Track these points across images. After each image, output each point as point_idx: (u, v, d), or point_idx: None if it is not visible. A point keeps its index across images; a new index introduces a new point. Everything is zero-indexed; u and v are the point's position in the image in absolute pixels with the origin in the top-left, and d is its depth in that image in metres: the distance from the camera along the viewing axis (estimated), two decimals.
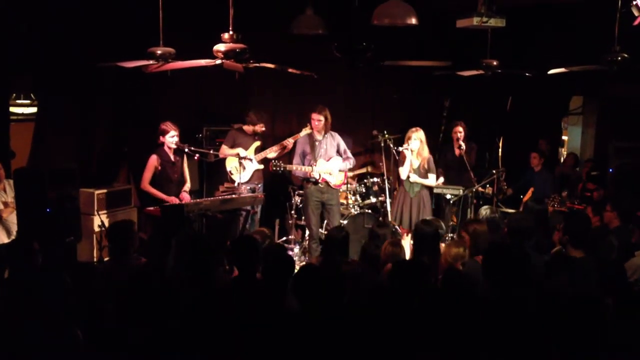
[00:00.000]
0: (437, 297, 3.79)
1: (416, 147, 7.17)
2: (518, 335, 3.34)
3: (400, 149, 7.22)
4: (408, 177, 7.20)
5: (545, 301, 3.68)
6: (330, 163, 7.21)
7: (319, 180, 7.14)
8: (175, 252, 4.49)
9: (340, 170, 7.29)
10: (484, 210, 6.70)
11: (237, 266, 4.33)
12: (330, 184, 7.22)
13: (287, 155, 7.96)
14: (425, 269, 3.88)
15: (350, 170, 8.02)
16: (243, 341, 3.37)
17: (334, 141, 7.30)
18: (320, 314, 3.48)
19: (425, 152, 7.24)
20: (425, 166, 7.23)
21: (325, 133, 7.23)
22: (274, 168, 6.97)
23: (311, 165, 7.10)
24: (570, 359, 3.17)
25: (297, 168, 7.15)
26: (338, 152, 7.31)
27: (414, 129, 7.22)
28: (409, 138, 7.18)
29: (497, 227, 5.80)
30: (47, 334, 3.22)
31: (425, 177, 7.24)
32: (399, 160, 7.32)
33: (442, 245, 6.97)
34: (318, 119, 7.11)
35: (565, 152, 11.25)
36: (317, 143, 7.20)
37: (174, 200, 6.56)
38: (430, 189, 7.37)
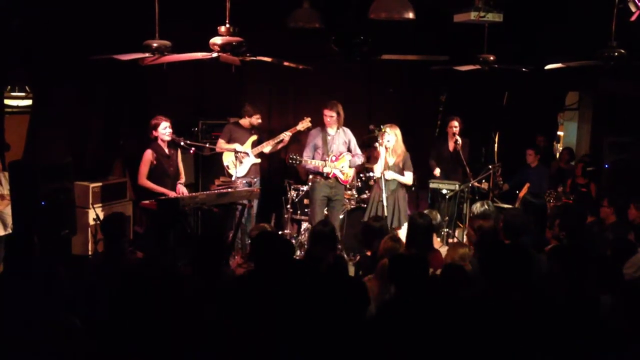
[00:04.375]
0: (435, 292, 3.79)
1: (391, 143, 6.93)
2: (514, 333, 3.35)
3: (376, 144, 7.07)
4: (382, 174, 6.93)
5: (543, 299, 3.68)
6: (341, 158, 7.22)
7: (330, 176, 7.15)
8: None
9: (350, 167, 7.30)
10: (476, 207, 6.70)
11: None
12: (340, 180, 7.23)
13: (284, 148, 7.95)
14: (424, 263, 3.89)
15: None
16: (243, 334, 3.37)
17: (346, 137, 7.30)
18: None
19: (401, 149, 7.00)
20: (401, 164, 6.98)
21: (338, 128, 7.22)
22: (290, 161, 7.04)
23: (324, 160, 7.10)
24: (565, 356, 3.18)
25: (311, 162, 7.14)
26: (348, 148, 7.31)
27: (388, 125, 6.98)
28: (383, 134, 6.92)
29: (490, 219, 5.80)
30: (44, 323, 3.22)
31: (401, 174, 6.98)
32: (372, 157, 7.22)
33: (438, 239, 7.00)
34: (330, 115, 7.08)
35: (560, 148, 11.27)
36: (329, 138, 7.19)
37: (173, 195, 6.52)
38: (407, 187, 7.13)
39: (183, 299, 3.58)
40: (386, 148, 6.94)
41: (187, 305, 3.53)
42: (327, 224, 5.39)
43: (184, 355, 3.25)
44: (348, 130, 7.35)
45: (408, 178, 7.04)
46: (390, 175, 6.91)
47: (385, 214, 7.25)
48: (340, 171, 7.21)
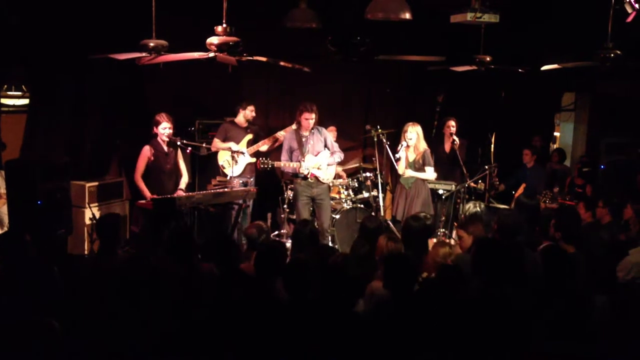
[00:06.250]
0: (428, 292, 3.80)
1: (413, 141, 7.14)
2: (507, 330, 3.36)
3: (399, 148, 7.17)
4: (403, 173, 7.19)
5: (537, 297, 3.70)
6: (319, 158, 7.17)
7: (308, 176, 7.11)
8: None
9: (328, 165, 7.27)
10: (469, 206, 6.73)
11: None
12: (320, 179, 7.18)
13: (276, 151, 7.94)
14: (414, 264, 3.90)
15: (342, 164, 8.01)
16: (234, 332, 3.38)
17: (321, 136, 7.23)
18: (310, 305, 3.50)
19: (422, 145, 7.22)
20: (421, 160, 7.19)
21: (312, 129, 7.20)
22: (262, 165, 6.94)
23: (299, 161, 7.07)
24: (559, 355, 3.19)
25: (285, 164, 7.09)
26: (325, 146, 7.28)
27: (410, 123, 7.22)
28: (405, 132, 7.17)
29: (481, 221, 5.81)
30: (24, 325, 3.21)
31: (422, 170, 7.21)
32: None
33: (434, 240, 7.02)
34: (312, 118, 7.02)
35: (554, 147, 11.28)
36: (304, 139, 7.13)
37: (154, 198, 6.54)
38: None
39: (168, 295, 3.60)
40: (408, 146, 7.15)
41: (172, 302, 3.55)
42: (307, 224, 5.40)
43: (174, 354, 3.25)
44: (322, 129, 7.28)
45: (429, 174, 7.27)
46: (409, 173, 7.17)
47: (381, 212, 7.31)
48: (318, 169, 7.16)
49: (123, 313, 3.35)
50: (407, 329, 3.37)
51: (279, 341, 3.33)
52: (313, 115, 7.03)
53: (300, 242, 5.15)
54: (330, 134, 7.37)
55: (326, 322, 3.37)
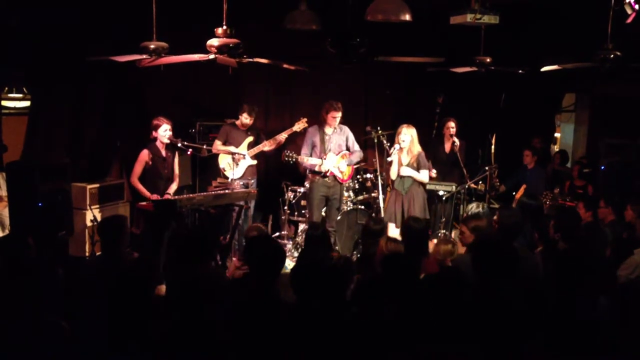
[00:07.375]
0: (428, 292, 3.80)
1: (406, 143, 6.99)
2: (506, 329, 3.36)
3: (391, 151, 7.09)
4: (398, 176, 7.09)
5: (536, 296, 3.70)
6: (339, 157, 7.21)
7: (327, 174, 7.13)
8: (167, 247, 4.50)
9: (347, 165, 7.29)
10: (472, 207, 6.72)
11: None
12: (338, 179, 7.21)
13: (281, 147, 7.95)
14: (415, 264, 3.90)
15: (357, 163, 7.99)
16: (236, 334, 3.38)
17: (343, 135, 7.28)
18: (317, 307, 3.50)
19: (416, 148, 7.05)
20: (415, 164, 7.03)
21: (335, 126, 7.22)
22: (286, 158, 7.01)
23: (321, 158, 7.09)
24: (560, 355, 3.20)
25: (307, 160, 7.14)
26: (346, 145, 7.31)
27: (404, 125, 7.06)
28: (399, 134, 7.00)
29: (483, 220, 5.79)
30: (32, 326, 3.22)
31: (417, 172, 7.11)
32: (391, 161, 7.20)
33: (434, 241, 7.02)
34: (339, 115, 7.10)
35: (557, 149, 11.29)
36: (326, 137, 7.18)
37: (156, 198, 6.53)
38: (423, 185, 7.27)
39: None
40: (401, 148, 7.00)
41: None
42: (318, 227, 5.40)
43: (179, 355, 3.25)
44: (345, 127, 7.33)
45: (424, 176, 7.10)
46: (407, 171, 6.95)
47: (382, 214, 7.30)
48: (338, 169, 7.20)
49: (124, 313, 3.35)
50: (406, 327, 3.37)
51: (280, 342, 3.34)
52: (340, 113, 7.10)
53: (313, 245, 5.16)
54: (351, 133, 7.40)
55: (329, 324, 3.37)
